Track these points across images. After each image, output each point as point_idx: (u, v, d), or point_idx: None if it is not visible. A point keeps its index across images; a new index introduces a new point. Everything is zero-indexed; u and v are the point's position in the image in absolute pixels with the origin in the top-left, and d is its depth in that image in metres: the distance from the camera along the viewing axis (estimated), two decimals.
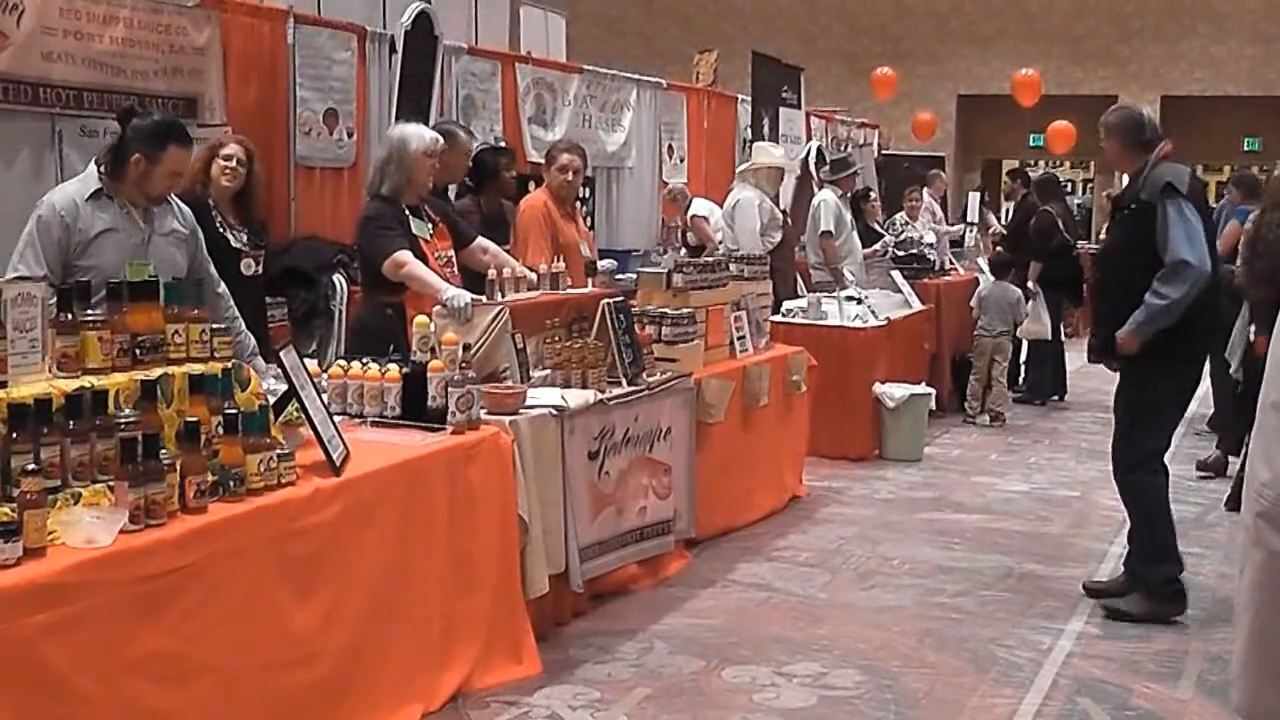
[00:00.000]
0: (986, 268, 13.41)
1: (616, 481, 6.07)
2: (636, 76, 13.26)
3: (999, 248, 13.52)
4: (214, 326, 4.37)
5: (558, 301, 6.38)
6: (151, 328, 4.16)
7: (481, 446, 5.09)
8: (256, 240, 6.88)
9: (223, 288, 5.72)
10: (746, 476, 7.51)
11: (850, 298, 9.84)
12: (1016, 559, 7.27)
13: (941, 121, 22.98)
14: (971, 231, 15.69)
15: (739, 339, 7.56)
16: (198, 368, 4.20)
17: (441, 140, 6.61)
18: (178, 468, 3.84)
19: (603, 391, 6.01)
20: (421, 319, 5.33)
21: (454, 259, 6.57)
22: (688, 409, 6.70)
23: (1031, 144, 25.06)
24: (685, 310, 6.92)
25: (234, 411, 4.09)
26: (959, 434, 11.01)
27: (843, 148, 15.74)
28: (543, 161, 11.55)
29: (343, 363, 5.44)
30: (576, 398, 5.76)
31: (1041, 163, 24.35)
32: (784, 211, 10.11)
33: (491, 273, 6.18)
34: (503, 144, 10.68)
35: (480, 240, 6.77)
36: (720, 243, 10.53)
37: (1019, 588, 6.77)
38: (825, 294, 10.06)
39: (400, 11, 10.00)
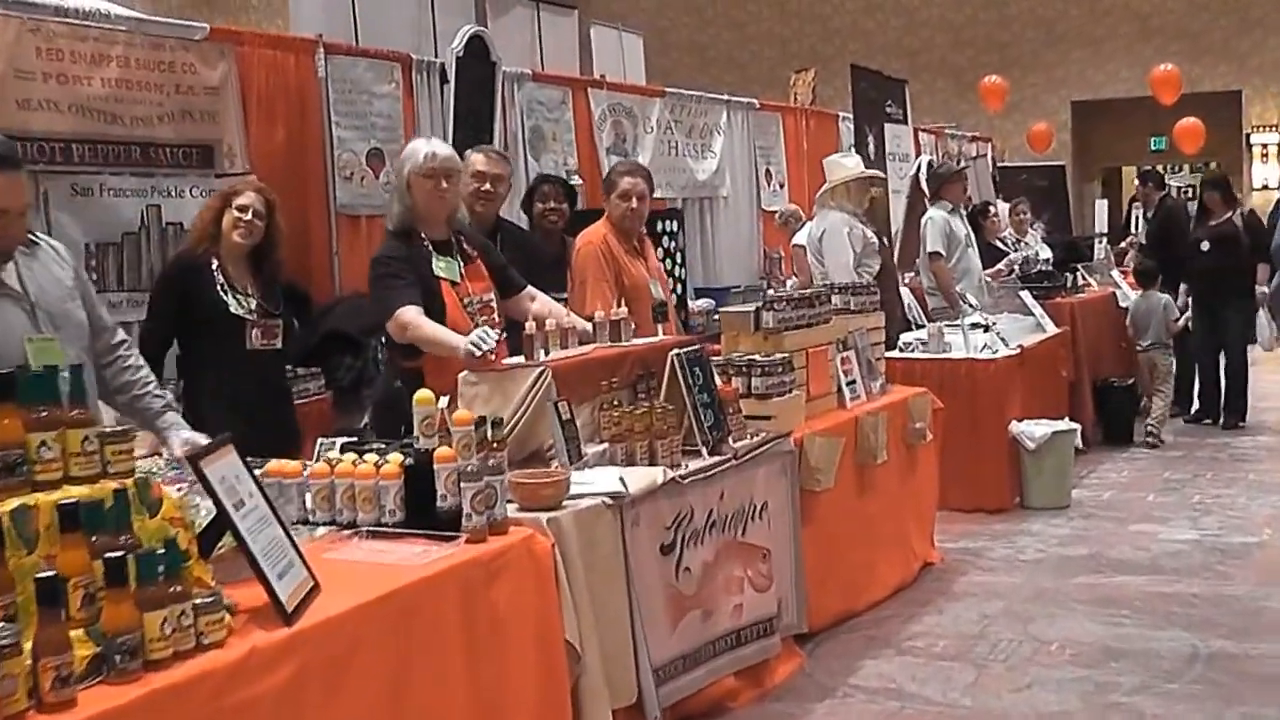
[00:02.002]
0: (1121, 280, 11.96)
1: (700, 578, 4.72)
2: (725, 97, 11.93)
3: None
4: (106, 430, 3.09)
5: (615, 357, 5.05)
6: (4, 441, 2.89)
7: (509, 557, 3.78)
8: (270, 306, 5.65)
9: (120, 335, 4.40)
10: (867, 549, 6.10)
11: (976, 325, 8.39)
12: (1200, 634, 5.78)
13: (1056, 130, 21.33)
14: (1100, 243, 14.11)
15: (848, 385, 6.18)
16: (79, 491, 2.94)
17: (444, 155, 5.30)
18: (25, 649, 2.57)
19: (676, 466, 4.68)
20: (424, 394, 4.02)
21: (494, 303, 5.32)
22: (787, 477, 5.34)
23: (1153, 148, 23.30)
24: (779, 356, 5.56)
25: (119, 555, 2.80)
26: (1107, 472, 9.44)
27: (958, 163, 14.26)
28: None
29: (333, 455, 4.18)
30: (641, 478, 4.43)
31: (1160, 167, 22.59)
32: (877, 233, 8.68)
33: (529, 325, 4.86)
34: (576, 176, 9.45)
35: (529, 288, 5.49)
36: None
37: (1210, 675, 5.30)
38: (947, 323, 8.61)
39: (452, 37, 8.80)
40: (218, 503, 3.12)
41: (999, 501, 8.04)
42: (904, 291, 10.58)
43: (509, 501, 3.96)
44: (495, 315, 5.26)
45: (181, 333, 5.59)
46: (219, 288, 5.50)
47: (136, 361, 4.37)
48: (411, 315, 4.99)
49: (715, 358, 5.62)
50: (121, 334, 4.43)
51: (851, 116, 12.73)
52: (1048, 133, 20.80)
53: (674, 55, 20.95)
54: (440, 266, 5.20)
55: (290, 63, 7.68)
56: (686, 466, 4.72)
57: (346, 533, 3.88)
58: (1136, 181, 15.07)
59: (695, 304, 10.48)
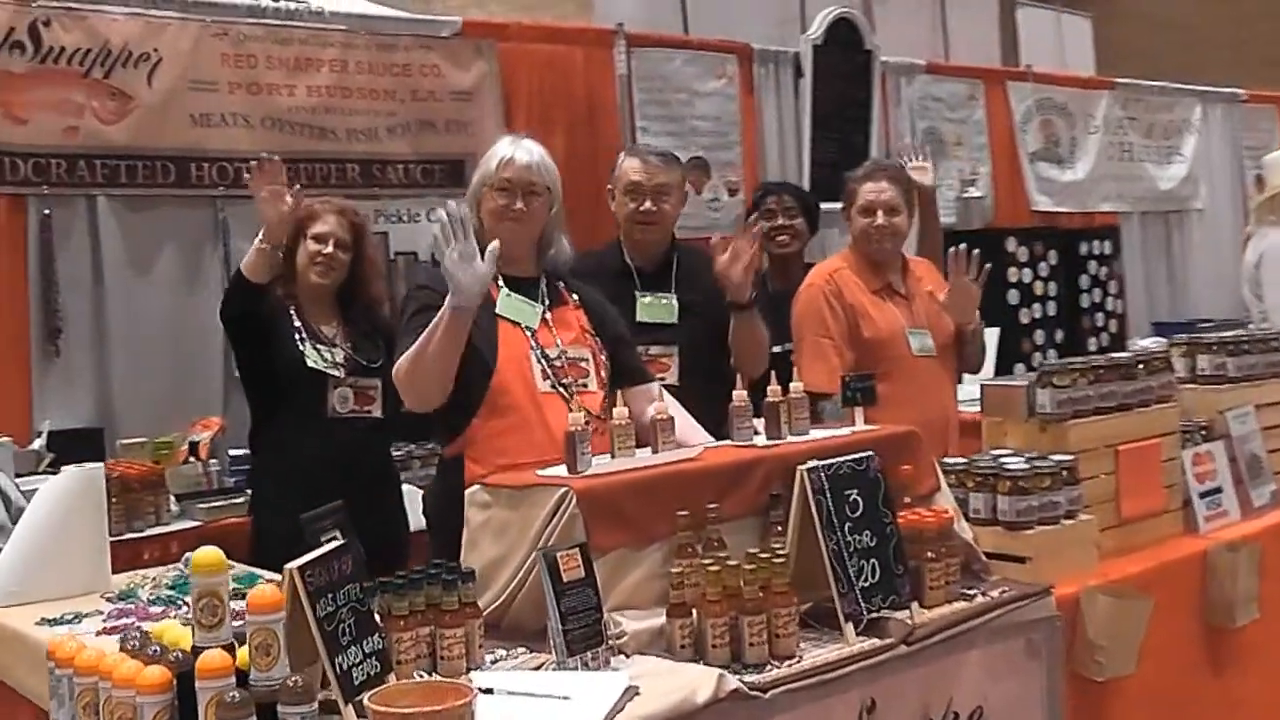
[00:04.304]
0: None
1: None
2: (1200, 88, 9.24)
3: None
4: None
5: (723, 469, 3.04)
6: None
7: None
8: (365, 359, 4.11)
9: None
10: None
11: None
12: None
13: None
14: None
15: (1203, 498, 3.83)
16: None
17: (524, 163, 3.47)
18: None
19: (781, 659, 2.69)
20: (204, 555, 2.28)
21: (589, 363, 3.46)
22: (1041, 659, 3.16)
23: None
24: (1056, 459, 3.37)
25: None
26: None
27: None
28: (1052, 211, 8.15)
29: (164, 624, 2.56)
30: (673, 691, 2.49)
31: None
32: None
33: (573, 420, 2.98)
34: (974, 189, 7.37)
35: (653, 385, 3.60)
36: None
37: None
38: None
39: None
40: None
41: None
42: None
43: None
44: (589, 380, 3.42)
45: (251, 397, 4.16)
46: (296, 337, 4.02)
47: None
48: (401, 359, 3.33)
49: (954, 460, 3.51)
50: None
51: None
52: None
53: (1200, 51, 17.71)
54: (507, 304, 3.41)
55: (577, 59, 6.13)
56: (798, 657, 2.71)
57: None
58: None
59: (1142, 343, 8.02)
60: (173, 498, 4.56)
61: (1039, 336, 7.23)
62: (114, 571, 3.58)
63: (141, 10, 4.91)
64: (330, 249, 4.04)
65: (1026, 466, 3.32)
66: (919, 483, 3.26)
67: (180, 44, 5.00)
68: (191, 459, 4.79)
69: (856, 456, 2.98)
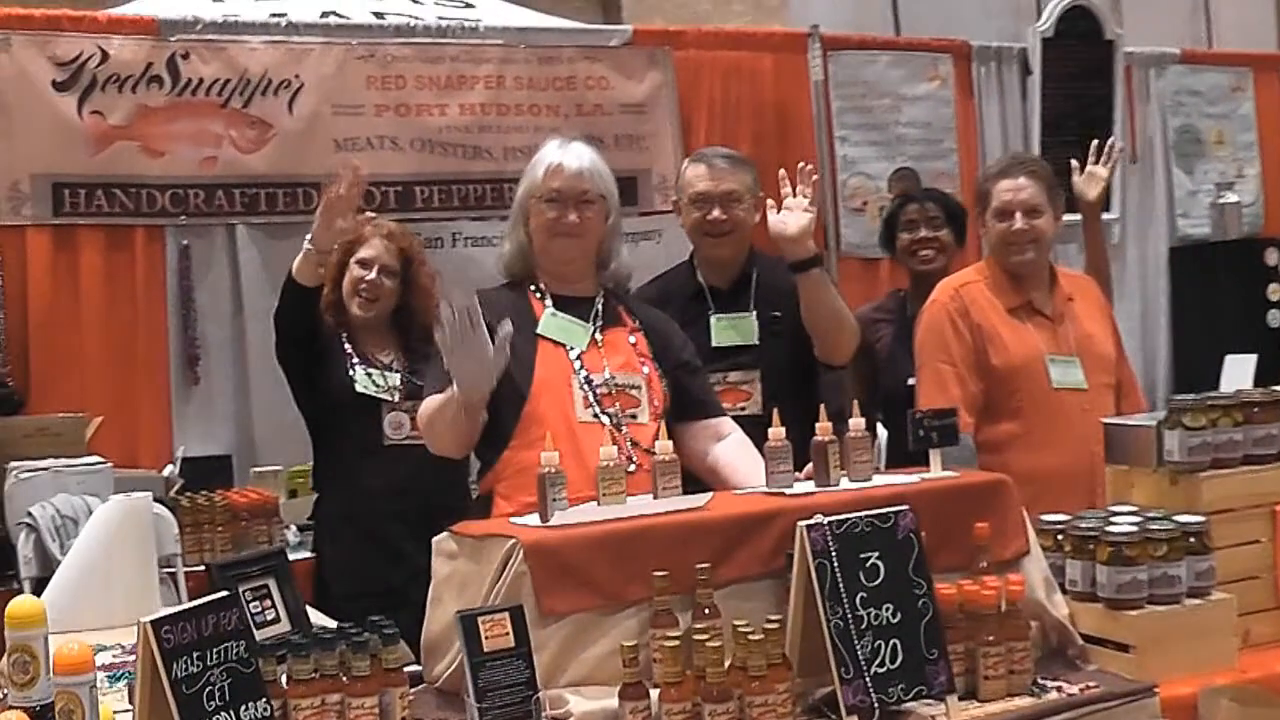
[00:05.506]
0: None
1: None
2: None
3: None
4: None
5: (726, 522, 2.50)
6: None
7: None
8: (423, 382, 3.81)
9: None
10: None
11: None
12: None
13: None
14: None
15: None
16: None
17: (575, 170, 3.05)
18: None
19: None
20: (20, 604, 1.95)
21: (640, 392, 3.00)
22: None
23: None
24: (1177, 522, 2.66)
25: None
26: None
27: None
28: None
29: None
30: None
31: None
32: None
33: (546, 460, 2.52)
34: (1230, 193, 6.46)
35: (723, 419, 3.15)
36: None
37: None
38: None
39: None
40: None
41: None
42: None
43: None
44: (640, 410, 2.97)
45: (309, 426, 3.90)
46: (349, 362, 3.75)
47: None
48: (429, 406, 3.00)
49: (1052, 518, 2.83)
50: None
51: None
52: None
53: None
54: (551, 324, 3.02)
55: (765, 65, 5.63)
56: None
57: None
58: None
59: None
60: (294, 527, 4.37)
61: None
62: None
63: (283, 38, 4.77)
64: (374, 275, 3.79)
65: (1134, 529, 2.63)
66: (1002, 544, 2.66)
67: (323, 69, 4.84)
68: None
69: (881, 512, 2.41)
